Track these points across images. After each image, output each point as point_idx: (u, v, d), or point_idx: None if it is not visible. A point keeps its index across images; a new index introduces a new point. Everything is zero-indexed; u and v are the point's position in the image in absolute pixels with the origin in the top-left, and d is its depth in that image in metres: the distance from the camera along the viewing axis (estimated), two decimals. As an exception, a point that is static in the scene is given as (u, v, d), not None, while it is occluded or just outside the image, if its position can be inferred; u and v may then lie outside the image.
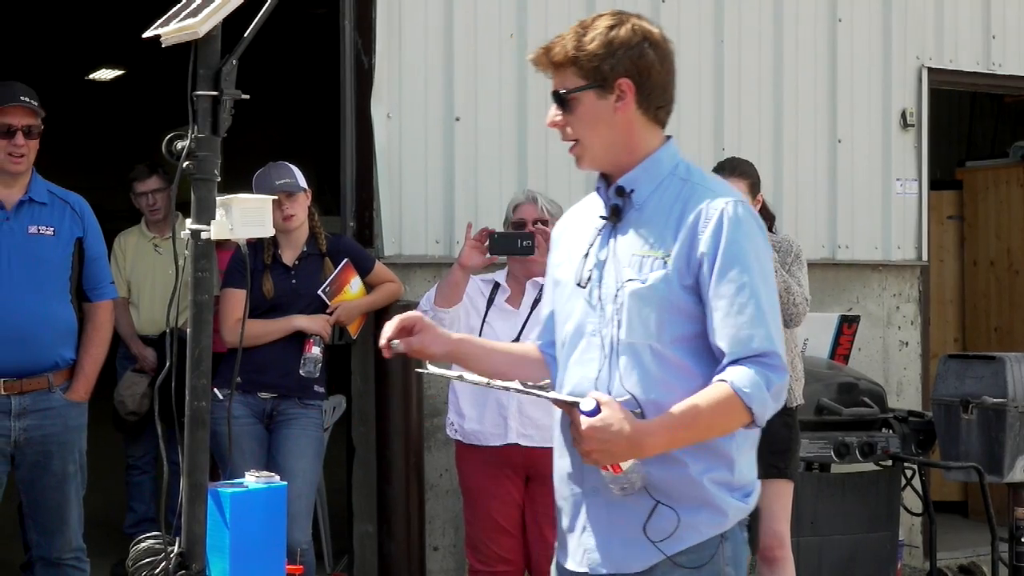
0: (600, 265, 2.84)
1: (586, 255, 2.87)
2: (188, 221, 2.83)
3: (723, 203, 2.74)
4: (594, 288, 2.84)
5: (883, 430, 5.74)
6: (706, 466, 2.75)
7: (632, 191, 2.83)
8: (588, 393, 2.71)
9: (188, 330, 2.85)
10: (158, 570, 2.85)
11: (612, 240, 2.84)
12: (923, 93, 7.32)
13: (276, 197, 5.09)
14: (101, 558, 6.07)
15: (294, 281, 5.37)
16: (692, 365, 2.74)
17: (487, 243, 4.93)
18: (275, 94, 11.06)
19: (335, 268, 5.40)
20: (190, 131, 2.80)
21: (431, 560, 5.95)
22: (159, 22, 2.88)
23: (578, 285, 2.87)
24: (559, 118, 2.89)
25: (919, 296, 7.34)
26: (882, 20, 7.20)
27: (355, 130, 5.99)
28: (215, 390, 4.75)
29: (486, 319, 5.02)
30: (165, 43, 2.88)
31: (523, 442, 4.91)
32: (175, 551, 2.84)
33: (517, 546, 5.00)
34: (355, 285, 5.47)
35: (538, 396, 2.77)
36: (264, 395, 5.30)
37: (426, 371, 2.95)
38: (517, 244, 4.91)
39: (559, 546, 2.96)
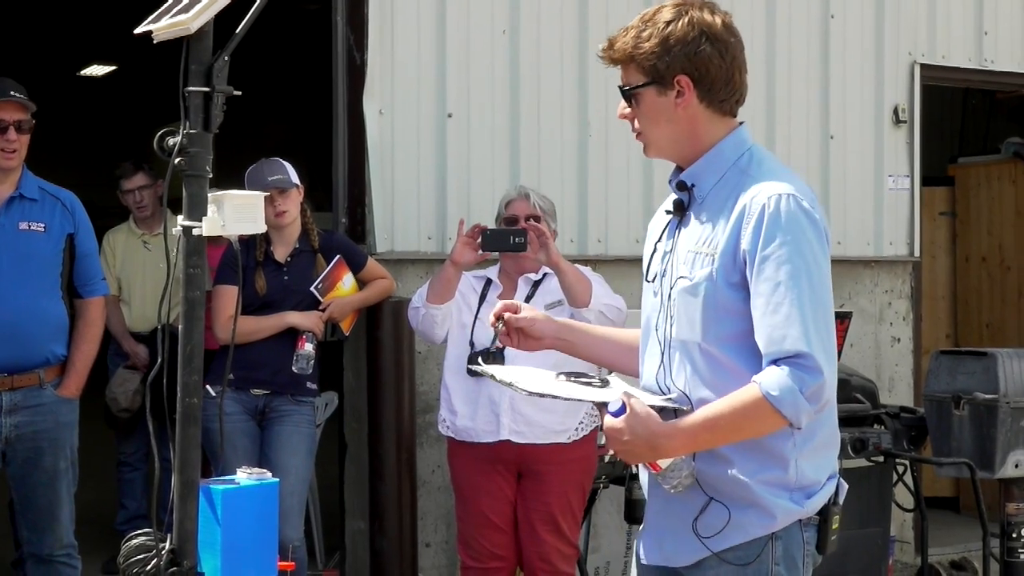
0: (664, 258, 2.85)
1: (654, 250, 2.89)
2: (179, 217, 2.83)
3: (766, 197, 2.69)
4: (659, 283, 2.86)
5: (875, 426, 5.74)
6: (756, 466, 2.73)
7: (693, 185, 2.82)
8: (617, 391, 2.74)
9: (180, 327, 2.84)
10: (149, 567, 2.85)
11: (677, 234, 2.84)
12: (915, 89, 7.32)
13: (268, 193, 5.14)
14: (92, 555, 6.07)
15: (286, 278, 5.36)
16: (740, 364, 2.71)
17: (479, 239, 4.93)
18: (268, 90, 11.04)
19: (327, 265, 5.40)
20: (182, 127, 2.80)
21: (423, 556, 5.95)
22: (151, 18, 2.88)
23: (647, 280, 2.90)
24: (628, 111, 2.85)
25: (911, 292, 7.34)
26: (874, 16, 7.20)
27: (347, 126, 5.98)
28: (207, 387, 4.78)
29: (478, 315, 5.01)
30: (157, 39, 2.87)
31: (515, 439, 4.91)
32: (167, 548, 2.83)
33: (509, 542, 5.00)
34: (347, 282, 5.46)
35: (571, 400, 2.84)
36: (256, 392, 5.30)
37: (478, 368, 3.02)
38: (510, 240, 4.91)
39: (640, 534, 3.02)
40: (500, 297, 5.04)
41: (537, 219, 5.00)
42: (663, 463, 2.71)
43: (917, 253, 7.36)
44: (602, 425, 2.71)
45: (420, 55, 6.02)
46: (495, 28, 6.17)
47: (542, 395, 2.80)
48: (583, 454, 5.01)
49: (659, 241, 2.88)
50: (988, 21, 7.59)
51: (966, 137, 10.02)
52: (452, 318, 5.02)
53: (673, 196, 2.88)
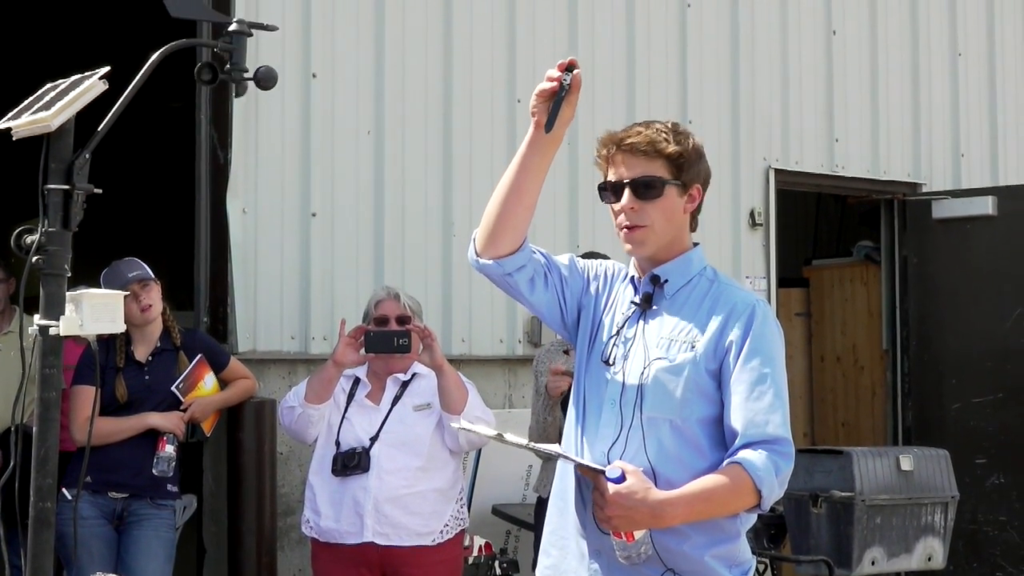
0: (626, 343, 3.02)
1: (615, 334, 3.04)
2: (36, 316, 2.77)
3: (753, 300, 3.01)
4: (619, 364, 3.01)
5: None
6: (710, 540, 2.92)
7: (666, 281, 3.06)
8: (613, 462, 2.88)
9: (34, 428, 2.77)
10: None
11: (641, 323, 3.04)
12: (771, 193, 7.52)
13: (130, 292, 5.07)
14: (-64, 667, 5.82)
15: (147, 377, 5.27)
16: (706, 445, 2.92)
17: (362, 340, 4.91)
18: (128, 188, 10.91)
19: (189, 363, 5.32)
20: (40, 225, 2.75)
21: (284, 663, 5.82)
22: (10, 114, 2.84)
23: (604, 362, 3.03)
24: (636, 203, 3.00)
25: (769, 391, 7.45)
26: (731, 121, 7.40)
27: (210, 224, 5.93)
28: (63, 490, 4.65)
29: (346, 415, 4.98)
30: (16, 136, 2.83)
31: (379, 540, 4.85)
32: (16, 659, 2.74)
33: (372, 646, 4.92)
34: (209, 381, 5.39)
35: (570, 461, 2.94)
36: (115, 495, 5.17)
37: (465, 427, 3.20)
38: (393, 342, 4.90)
39: None
40: (368, 397, 5.02)
41: (408, 319, 5.00)
42: (638, 534, 2.85)
43: (774, 353, 7.48)
44: (597, 490, 2.82)
45: (284, 154, 6.01)
46: (360, 128, 6.21)
47: (555, 454, 2.94)
48: (449, 556, 4.97)
49: (621, 328, 3.05)
50: (839, 129, 7.85)
51: (820, 240, 10.30)
52: (324, 418, 4.98)
53: (629, 288, 3.08)
